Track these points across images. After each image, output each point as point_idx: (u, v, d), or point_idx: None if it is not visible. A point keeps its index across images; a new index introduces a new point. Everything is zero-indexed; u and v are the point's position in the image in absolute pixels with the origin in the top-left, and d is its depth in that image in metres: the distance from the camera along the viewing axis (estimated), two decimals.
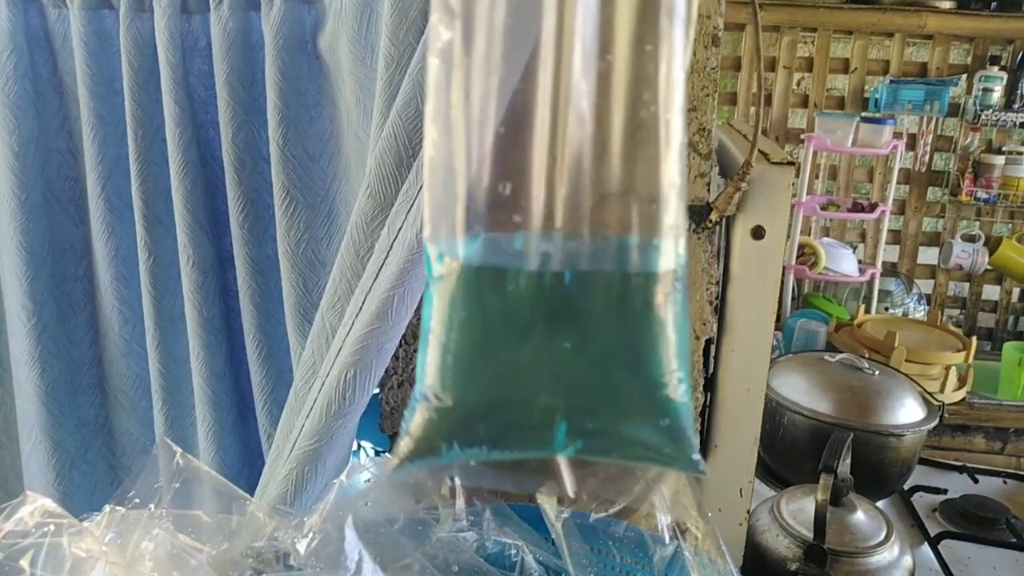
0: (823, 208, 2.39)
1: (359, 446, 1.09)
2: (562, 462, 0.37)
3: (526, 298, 0.33)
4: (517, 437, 0.35)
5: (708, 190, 0.75)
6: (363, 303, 0.72)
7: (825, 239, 2.48)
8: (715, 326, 0.78)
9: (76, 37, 0.88)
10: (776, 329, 2.10)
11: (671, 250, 0.33)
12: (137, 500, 0.50)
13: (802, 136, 2.32)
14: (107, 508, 0.50)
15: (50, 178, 0.96)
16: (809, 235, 2.47)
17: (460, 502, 0.53)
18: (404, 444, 0.35)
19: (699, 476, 0.36)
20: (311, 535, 0.43)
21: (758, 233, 0.75)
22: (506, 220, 0.32)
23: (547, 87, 0.31)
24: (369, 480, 0.49)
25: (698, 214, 0.74)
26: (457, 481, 0.55)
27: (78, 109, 0.93)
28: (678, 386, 0.34)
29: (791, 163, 0.74)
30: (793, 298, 2.35)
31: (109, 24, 0.87)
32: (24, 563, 0.42)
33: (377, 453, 1.32)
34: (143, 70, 0.86)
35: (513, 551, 0.50)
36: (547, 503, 0.53)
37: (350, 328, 0.73)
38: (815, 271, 2.32)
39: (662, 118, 0.31)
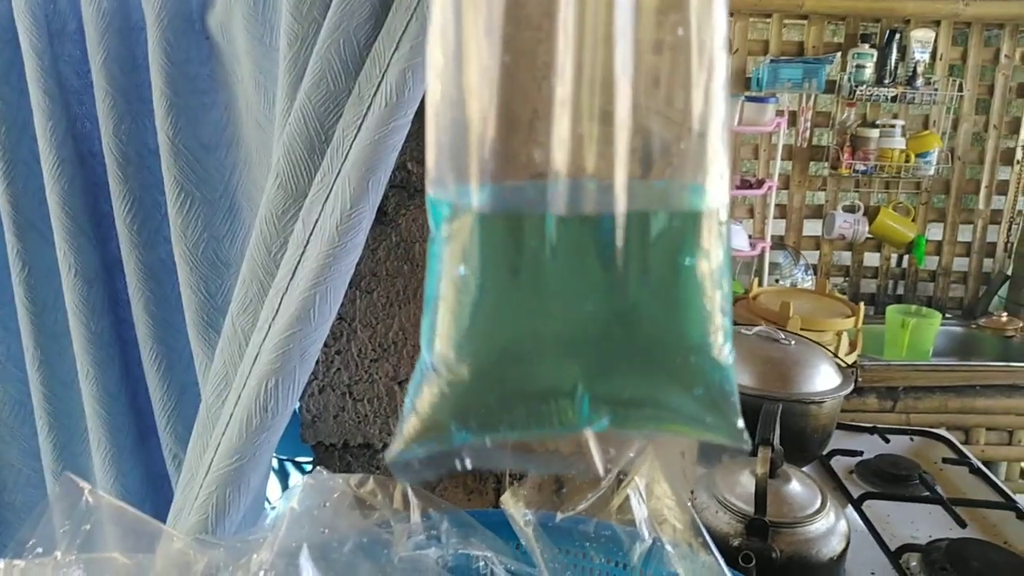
0: None
1: (279, 461, 1.02)
2: (589, 435, 0.33)
3: (549, 251, 0.28)
4: (538, 413, 0.30)
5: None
6: (280, 304, 0.66)
7: None
8: None
9: None
10: None
11: (715, 188, 0.29)
12: (39, 549, 0.43)
13: None
14: (1, 564, 0.43)
15: None
16: None
17: (415, 515, 0.49)
18: (410, 424, 0.30)
19: (740, 448, 0.32)
20: (262, 573, 0.38)
21: None
22: (525, 162, 0.28)
23: (568, 13, 0.27)
24: (326, 504, 0.43)
25: None
26: (410, 492, 0.50)
27: None
28: (723, 346, 0.30)
29: None
30: None
31: None
32: None
33: (298, 465, 1.25)
34: (2, 57, 0.76)
35: (481, 563, 0.46)
36: (513, 507, 0.49)
37: (267, 333, 0.66)
38: None
39: (695, 41, 0.27)
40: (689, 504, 0.45)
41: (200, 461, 0.69)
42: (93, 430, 0.86)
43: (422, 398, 0.30)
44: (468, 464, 0.31)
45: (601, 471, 0.33)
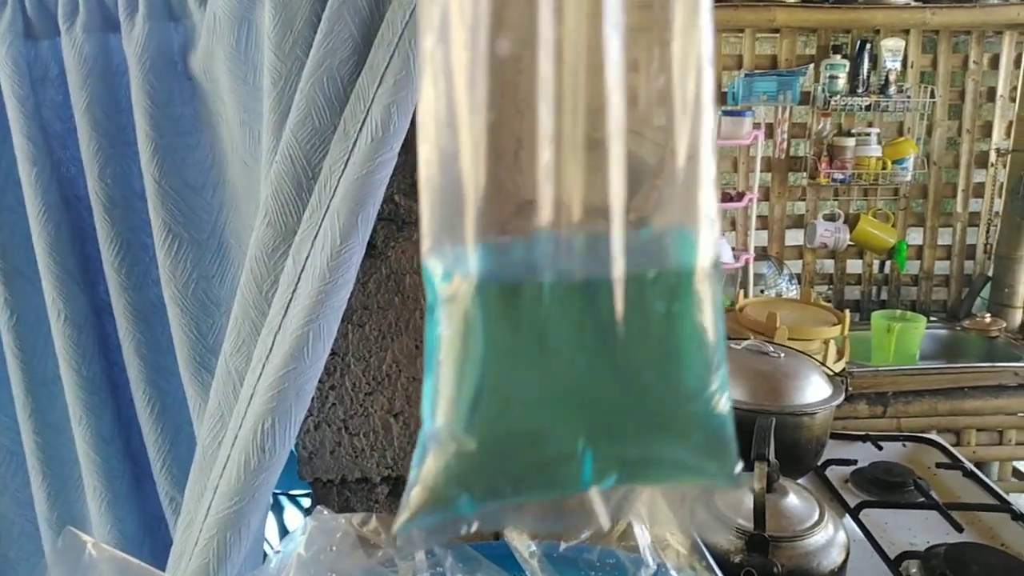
0: None
1: (274, 495, 1.01)
2: (594, 492, 0.33)
3: (550, 313, 0.29)
4: (542, 476, 0.30)
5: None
6: (273, 343, 0.66)
7: None
8: None
9: None
10: None
11: (708, 239, 0.29)
12: None
13: None
14: None
15: None
16: None
17: (419, 553, 0.48)
18: (416, 495, 0.30)
19: (736, 486, 0.32)
20: None
21: None
22: (520, 220, 0.28)
23: (549, 64, 0.27)
24: (332, 548, 0.43)
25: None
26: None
27: None
28: (720, 394, 0.31)
29: None
30: None
31: None
32: None
33: (292, 499, 1.24)
34: None
35: None
36: (516, 539, 0.49)
37: (261, 372, 0.66)
38: None
39: (677, 90, 0.28)
40: (693, 528, 0.46)
41: (199, 504, 0.69)
42: (87, 476, 0.85)
43: (427, 469, 0.30)
44: (474, 528, 0.31)
45: (606, 526, 0.33)
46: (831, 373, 1.21)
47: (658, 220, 0.29)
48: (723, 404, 0.31)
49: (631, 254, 0.29)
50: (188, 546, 0.67)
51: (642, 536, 0.47)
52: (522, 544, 0.48)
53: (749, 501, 0.87)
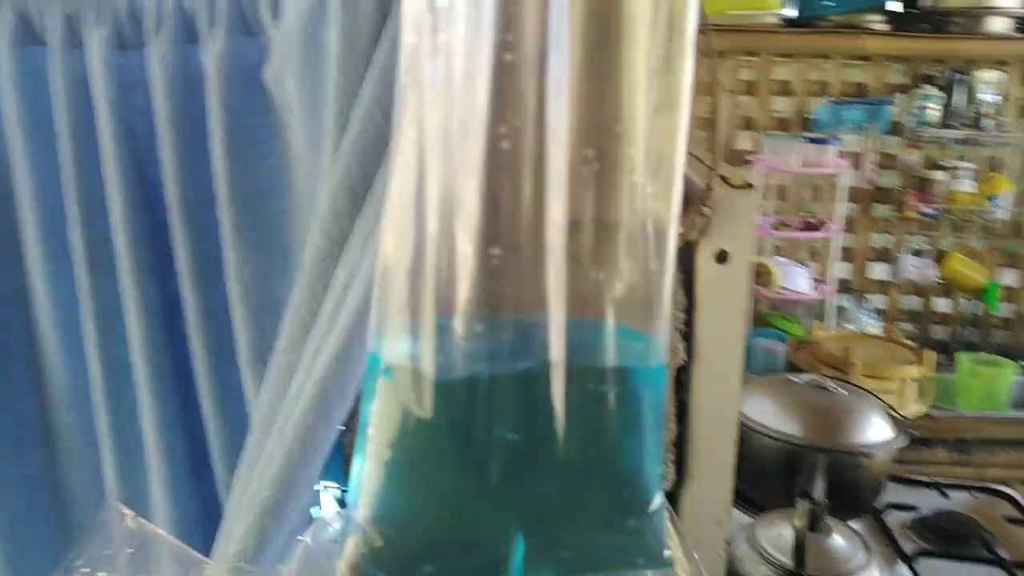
0: (775, 228, 2.42)
1: (342, 492, 1.04)
2: None
3: (487, 406, 0.29)
4: (471, 567, 0.31)
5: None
6: (322, 344, 0.69)
7: (778, 258, 2.50)
8: (685, 354, 0.76)
9: (4, 75, 0.84)
10: None
11: (659, 344, 0.30)
12: (86, 569, 0.46)
13: (748, 157, 2.35)
14: None
15: None
16: (762, 255, 2.49)
17: None
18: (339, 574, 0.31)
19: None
20: None
21: (722, 257, 0.74)
22: (464, 311, 0.29)
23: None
24: (337, 541, 0.45)
25: None
26: None
27: (8, 151, 0.88)
28: (654, 488, 0.31)
29: (751, 186, 0.73)
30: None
31: (38, 60, 0.83)
32: None
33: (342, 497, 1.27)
34: (79, 108, 0.82)
35: None
36: None
37: (309, 370, 0.69)
38: (770, 290, 2.33)
39: (639, 187, 0.29)
40: (695, 555, 0.46)
41: (244, 492, 0.72)
42: (152, 458, 0.90)
43: (347, 553, 0.30)
44: None
45: None
46: (896, 415, 1.17)
47: (610, 320, 0.30)
48: (657, 498, 0.31)
49: (578, 348, 0.29)
50: (232, 530, 0.71)
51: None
52: None
53: (792, 538, 0.85)
